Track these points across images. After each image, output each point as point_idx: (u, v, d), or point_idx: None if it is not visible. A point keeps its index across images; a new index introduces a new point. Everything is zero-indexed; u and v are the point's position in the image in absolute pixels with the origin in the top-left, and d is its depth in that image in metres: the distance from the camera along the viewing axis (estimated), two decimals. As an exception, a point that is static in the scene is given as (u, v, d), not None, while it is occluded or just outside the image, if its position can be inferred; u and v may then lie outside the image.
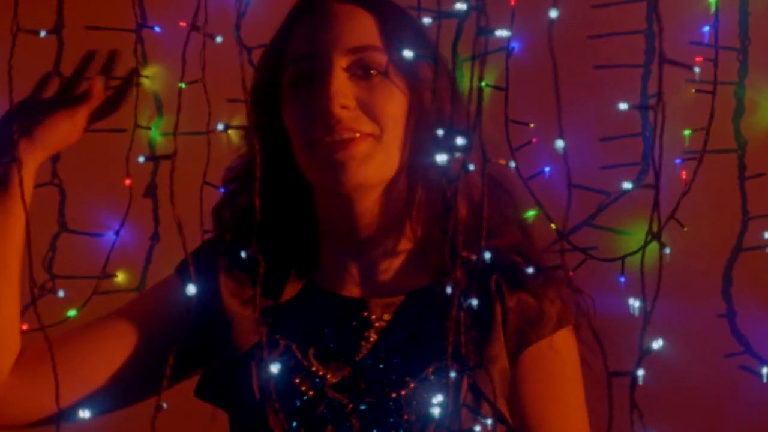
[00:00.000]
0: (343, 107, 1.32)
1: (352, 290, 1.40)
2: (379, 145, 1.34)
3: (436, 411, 1.28)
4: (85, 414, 1.36)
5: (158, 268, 2.22)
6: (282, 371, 1.34)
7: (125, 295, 2.25)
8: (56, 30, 2.24)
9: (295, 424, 1.32)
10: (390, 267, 1.41)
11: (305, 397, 1.33)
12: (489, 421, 1.30)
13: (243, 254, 1.38)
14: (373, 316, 1.38)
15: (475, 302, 1.02)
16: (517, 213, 1.44)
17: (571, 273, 1.14)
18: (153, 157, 2.26)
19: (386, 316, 1.38)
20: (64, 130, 1.44)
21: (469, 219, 1.37)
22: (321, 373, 1.35)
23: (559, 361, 1.37)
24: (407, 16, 1.43)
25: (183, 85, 1.11)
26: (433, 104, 1.35)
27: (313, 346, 1.37)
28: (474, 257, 1.03)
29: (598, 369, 1.00)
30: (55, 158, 2.24)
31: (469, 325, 1.05)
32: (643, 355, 0.92)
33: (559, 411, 1.37)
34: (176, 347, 1.38)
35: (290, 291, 1.40)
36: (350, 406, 1.33)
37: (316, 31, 1.36)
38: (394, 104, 1.35)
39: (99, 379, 1.39)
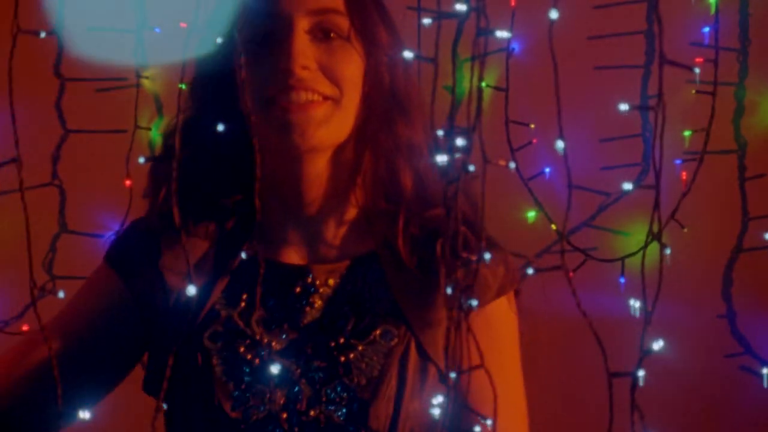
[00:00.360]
0: (304, 68, 1.31)
1: (294, 257, 1.39)
2: (337, 109, 1.34)
3: (435, 412, 1.28)
4: (85, 414, 1.35)
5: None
6: (225, 341, 1.34)
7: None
8: (57, 30, 2.24)
9: (243, 393, 1.32)
10: (333, 233, 1.40)
11: (251, 366, 1.32)
12: (489, 422, 1.30)
13: (243, 255, 1.38)
14: (317, 282, 1.37)
15: (475, 303, 1.02)
16: (466, 187, 1.42)
17: (571, 274, 1.14)
18: (153, 158, 2.26)
19: (331, 282, 1.37)
20: None
21: (414, 189, 1.38)
22: (265, 340, 1.34)
23: (499, 327, 1.38)
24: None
25: (183, 86, 1.11)
26: (388, 70, 1.36)
27: (256, 313, 1.35)
28: (474, 258, 1.02)
29: (598, 370, 1.00)
30: (56, 159, 2.25)
31: (467, 320, 1.05)
32: (644, 356, 0.92)
33: (497, 377, 1.36)
34: (121, 338, 1.39)
35: (229, 260, 1.38)
36: (298, 371, 1.32)
37: None
38: (353, 67, 1.35)
39: (46, 384, 1.36)
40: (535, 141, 2.11)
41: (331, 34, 1.34)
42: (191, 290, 1.18)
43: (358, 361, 1.32)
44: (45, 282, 2.22)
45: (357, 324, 1.34)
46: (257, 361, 1.33)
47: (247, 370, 1.33)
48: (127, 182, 2.17)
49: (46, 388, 1.36)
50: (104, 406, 2.10)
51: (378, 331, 1.34)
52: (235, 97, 1.32)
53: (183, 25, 2.12)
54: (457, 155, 0.98)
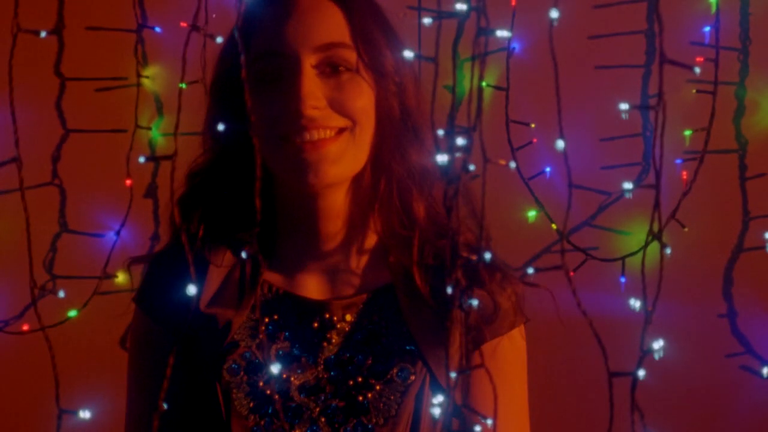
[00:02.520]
0: (314, 107, 1.30)
1: (312, 291, 1.39)
2: (351, 139, 1.32)
3: (436, 411, 1.28)
4: (85, 414, 1.35)
5: (159, 269, 2.22)
6: (245, 373, 1.33)
7: (125, 296, 2.25)
8: (57, 30, 2.24)
9: (261, 428, 1.31)
10: (351, 266, 1.39)
11: (271, 401, 1.32)
12: (489, 422, 1.30)
13: (243, 254, 1.37)
14: (335, 318, 1.36)
15: (475, 302, 1.02)
16: (473, 208, 1.43)
17: (571, 273, 1.14)
18: (153, 158, 2.26)
19: (348, 317, 1.37)
20: None
21: (427, 216, 1.37)
22: (284, 375, 1.34)
23: (509, 358, 1.38)
24: (374, 7, 1.40)
25: (183, 86, 1.11)
26: (398, 97, 1.34)
27: (274, 346, 1.35)
28: (474, 257, 1.02)
29: (599, 369, 1.00)
30: (56, 158, 2.25)
31: (470, 326, 1.05)
32: (644, 355, 0.92)
33: (505, 407, 1.37)
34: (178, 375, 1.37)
35: (248, 292, 1.37)
36: (317, 409, 1.33)
37: (282, 25, 1.32)
38: (364, 99, 1.33)
39: None
40: (535, 140, 2.11)
41: (340, 68, 1.33)
42: (191, 289, 1.17)
43: (376, 401, 1.32)
44: (45, 281, 2.22)
45: (374, 362, 1.34)
46: (276, 396, 1.32)
47: (266, 404, 1.32)
48: (128, 182, 2.17)
49: None
50: (104, 406, 2.10)
51: (395, 370, 1.34)
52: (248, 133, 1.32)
53: (183, 24, 2.12)
54: (458, 155, 0.98)
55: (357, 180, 1.36)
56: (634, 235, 2.13)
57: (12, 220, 2.17)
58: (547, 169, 2.13)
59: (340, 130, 1.32)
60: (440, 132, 1.06)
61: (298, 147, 1.30)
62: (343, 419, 1.32)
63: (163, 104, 2.25)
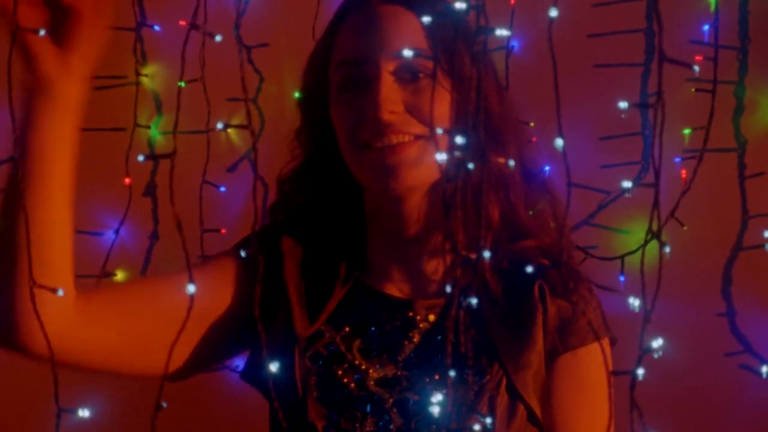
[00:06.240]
0: (391, 113, 1.33)
1: (398, 290, 1.44)
2: (429, 147, 1.35)
3: (435, 410, 1.30)
4: (84, 413, 1.35)
5: (158, 267, 2.22)
6: (325, 362, 1.38)
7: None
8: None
9: (336, 414, 1.35)
10: (434, 268, 1.44)
11: (346, 389, 1.37)
12: (488, 420, 1.31)
13: (243, 253, 1.39)
14: (418, 317, 1.41)
15: (474, 301, 1.02)
16: (557, 215, 1.46)
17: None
18: (152, 156, 2.26)
19: (431, 317, 1.41)
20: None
21: (502, 221, 1.39)
22: (363, 367, 1.38)
23: (590, 371, 1.39)
24: (448, 9, 1.43)
25: (182, 84, 1.11)
26: (478, 101, 1.37)
27: (358, 340, 1.40)
28: (473, 256, 1.03)
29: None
30: (55, 157, 2.24)
31: (469, 324, 1.05)
32: (643, 354, 0.92)
33: (584, 420, 1.39)
34: (229, 325, 1.40)
35: (339, 287, 1.43)
36: (390, 401, 1.36)
37: (361, 34, 1.37)
38: (442, 105, 1.36)
39: (153, 336, 1.37)
40: (534, 139, 2.11)
41: (419, 74, 1.36)
42: (191, 288, 1.17)
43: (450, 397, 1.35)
44: (44, 280, 2.22)
45: (452, 362, 1.37)
46: (353, 385, 1.37)
47: (342, 393, 1.37)
48: (127, 180, 2.17)
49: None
50: (105, 405, 2.10)
51: (472, 370, 1.36)
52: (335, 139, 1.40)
53: (182, 23, 2.12)
54: (458, 153, 0.98)
55: (436, 185, 1.39)
56: (634, 233, 2.13)
57: (11, 218, 2.17)
58: (546, 168, 2.13)
59: (418, 137, 1.35)
60: (439, 131, 1.06)
61: (379, 152, 1.35)
62: (417, 412, 1.35)
63: (162, 103, 2.25)
